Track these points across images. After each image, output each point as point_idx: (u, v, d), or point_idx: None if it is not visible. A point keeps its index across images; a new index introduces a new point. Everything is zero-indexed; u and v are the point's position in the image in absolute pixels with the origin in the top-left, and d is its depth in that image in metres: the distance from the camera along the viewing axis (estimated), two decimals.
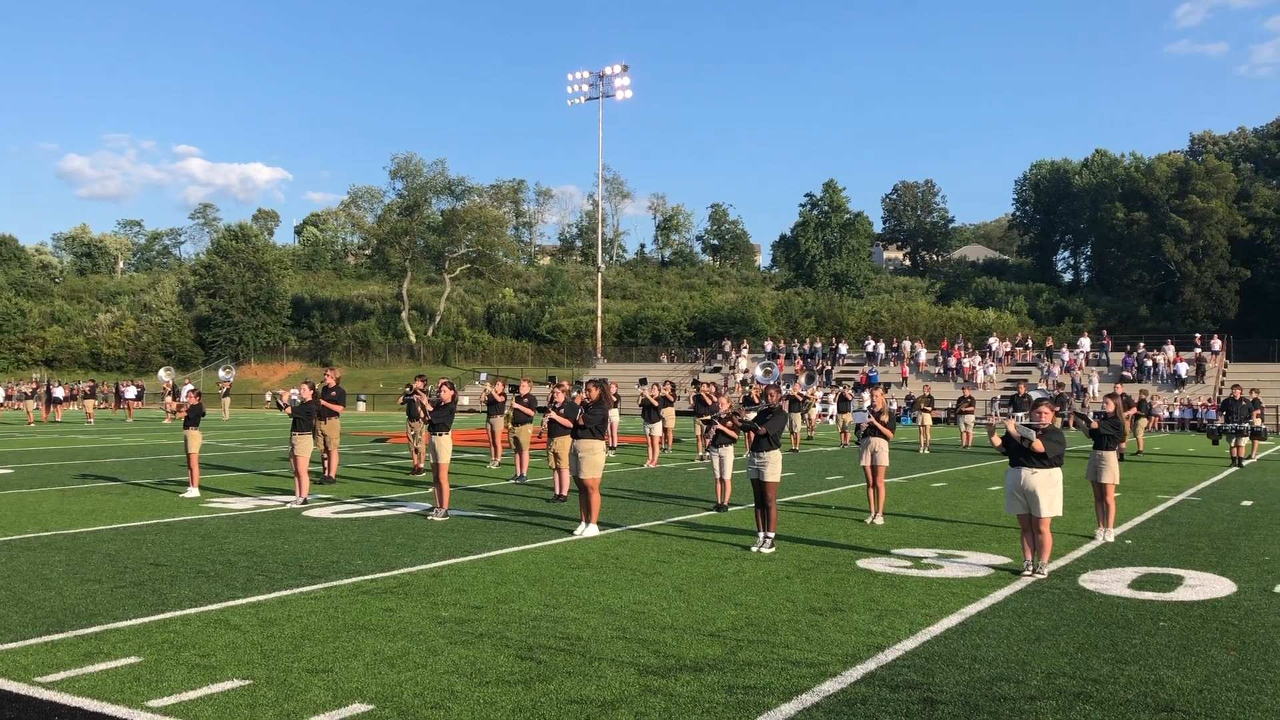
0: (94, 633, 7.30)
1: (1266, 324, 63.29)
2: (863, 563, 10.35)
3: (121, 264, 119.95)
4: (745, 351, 61.13)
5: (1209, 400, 45.07)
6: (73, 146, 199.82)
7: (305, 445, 15.33)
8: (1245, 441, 24.14)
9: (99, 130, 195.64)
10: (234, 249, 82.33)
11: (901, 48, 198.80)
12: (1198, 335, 53.81)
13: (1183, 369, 50.26)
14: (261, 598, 8.48)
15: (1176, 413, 45.55)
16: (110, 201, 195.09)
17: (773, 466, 11.40)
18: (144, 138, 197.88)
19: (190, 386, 18.15)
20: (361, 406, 61.28)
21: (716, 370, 59.42)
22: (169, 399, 41.78)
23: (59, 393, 46.99)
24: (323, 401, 17.81)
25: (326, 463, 18.26)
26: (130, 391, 50.71)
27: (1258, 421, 24.33)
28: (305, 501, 14.95)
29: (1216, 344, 52.96)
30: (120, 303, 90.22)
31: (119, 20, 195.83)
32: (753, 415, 11.94)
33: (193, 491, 16.03)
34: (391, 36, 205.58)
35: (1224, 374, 50.33)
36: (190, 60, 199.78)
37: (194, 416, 16.53)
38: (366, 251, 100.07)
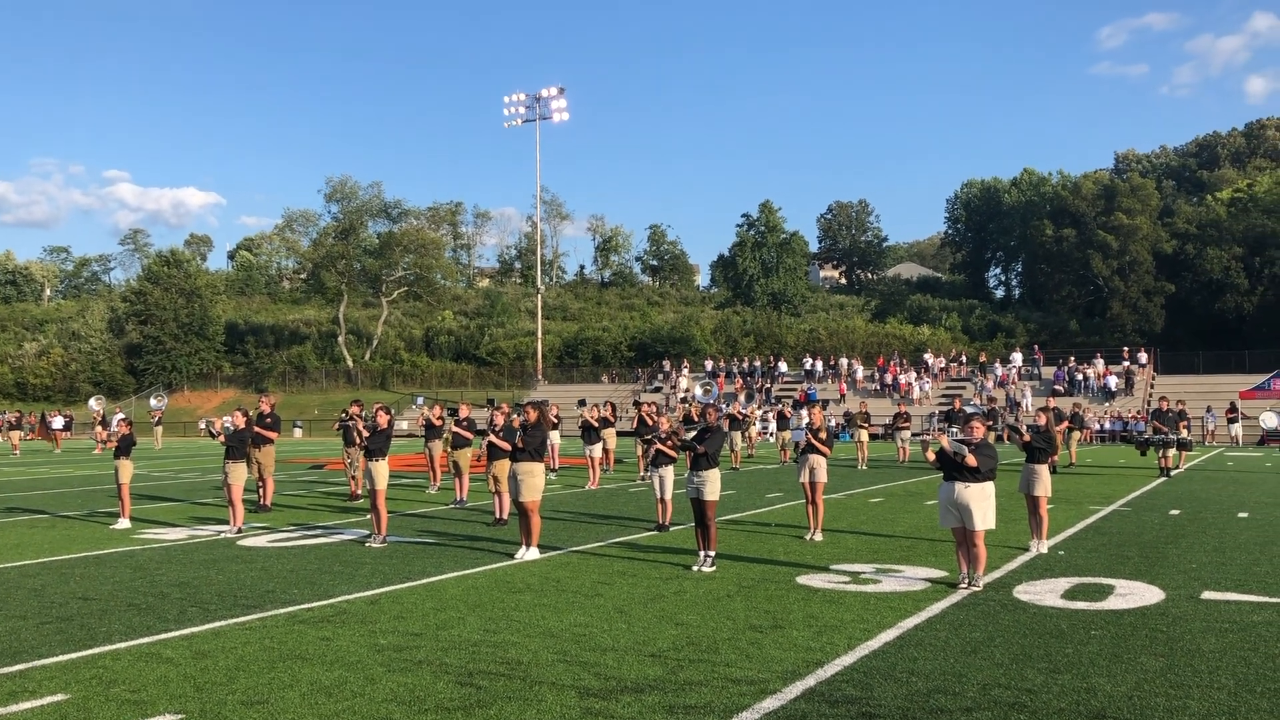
0: (18, 670, 7.10)
1: (1191, 337, 65.02)
2: (802, 579, 10.42)
3: (48, 291, 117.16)
4: (686, 371, 61.37)
5: (1138, 412, 46.15)
6: None
7: (239, 473, 15.08)
8: (1173, 452, 24.73)
9: (24, 155, 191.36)
10: (165, 275, 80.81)
11: (834, 71, 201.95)
12: (1125, 349, 55.14)
13: (1112, 382, 51.44)
14: (195, 630, 8.31)
15: (1107, 425, 46.57)
16: (36, 228, 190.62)
17: (712, 485, 11.44)
18: (72, 162, 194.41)
19: (121, 415, 17.80)
20: (298, 433, 60.41)
21: (657, 390, 59.55)
22: (99, 428, 40.84)
23: None
24: (257, 428, 17.54)
25: (262, 491, 17.97)
26: (58, 422, 49.44)
27: (1184, 433, 24.95)
28: (240, 531, 14.69)
29: (1144, 357, 54.30)
30: (47, 331, 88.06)
31: (45, 43, 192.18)
32: (691, 434, 11.98)
33: (123, 523, 15.68)
34: (326, 58, 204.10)
35: (1152, 386, 51.59)
36: (120, 84, 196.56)
37: (125, 446, 16.19)
38: (302, 276, 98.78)
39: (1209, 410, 44.52)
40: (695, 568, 11.07)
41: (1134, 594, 9.54)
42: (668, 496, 14.26)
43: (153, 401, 37.21)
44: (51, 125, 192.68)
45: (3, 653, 7.62)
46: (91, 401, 44.24)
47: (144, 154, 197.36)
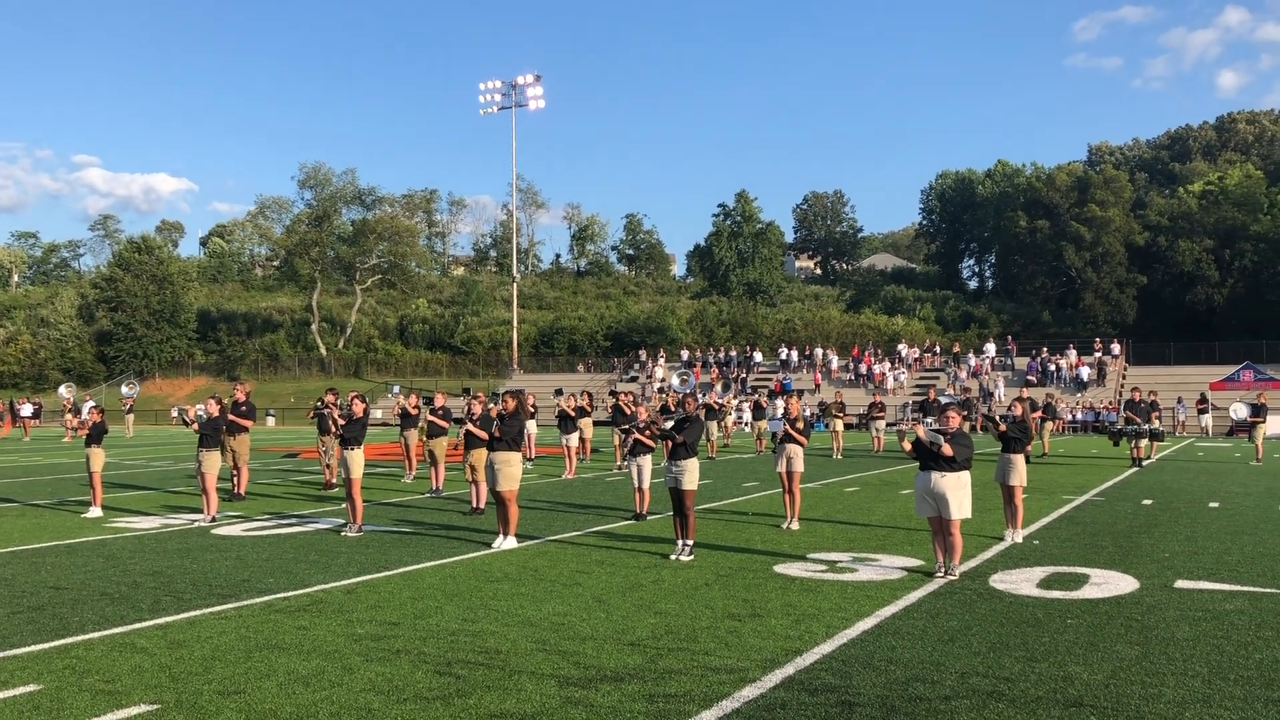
0: None
1: (1163, 328, 65.60)
2: (780, 568, 10.44)
3: (16, 277, 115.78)
4: (662, 360, 61.38)
5: (1110, 403, 46.53)
6: None
7: (213, 462, 14.95)
8: (1145, 442, 24.95)
9: None
10: (136, 261, 79.97)
11: (810, 61, 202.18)
12: (1098, 340, 55.54)
13: (1084, 373, 51.82)
14: (169, 619, 8.24)
15: (1079, 415, 46.93)
16: (4, 213, 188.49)
17: (690, 474, 11.45)
18: (39, 146, 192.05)
19: (92, 403, 17.60)
20: (271, 421, 60.01)
21: (633, 380, 59.54)
22: (69, 416, 40.44)
23: None
24: (231, 416, 17.40)
25: (235, 479, 17.84)
26: (26, 409, 48.87)
27: (1156, 423, 25.17)
28: (214, 519, 14.58)
29: (1116, 348, 54.71)
30: (15, 317, 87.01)
31: (12, 25, 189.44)
32: (670, 424, 11.98)
33: (95, 511, 15.52)
34: (301, 44, 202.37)
35: (1124, 377, 52.03)
36: (90, 67, 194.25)
37: (96, 434, 16.02)
38: (275, 263, 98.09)
39: (1179, 401, 44.95)
40: (673, 557, 11.08)
41: (1109, 583, 9.62)
42: (645, 486, 14.25)
43: (124, 389, 36.84)
44: (18, 108, 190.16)
45: None
46: (61, 389, 43.73)
47: (114, 139, 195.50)
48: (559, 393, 25.93)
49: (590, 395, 26.15)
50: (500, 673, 6.64)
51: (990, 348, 56.91)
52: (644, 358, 63.38)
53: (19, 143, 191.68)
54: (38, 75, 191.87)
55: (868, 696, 6.11)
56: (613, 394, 25.11)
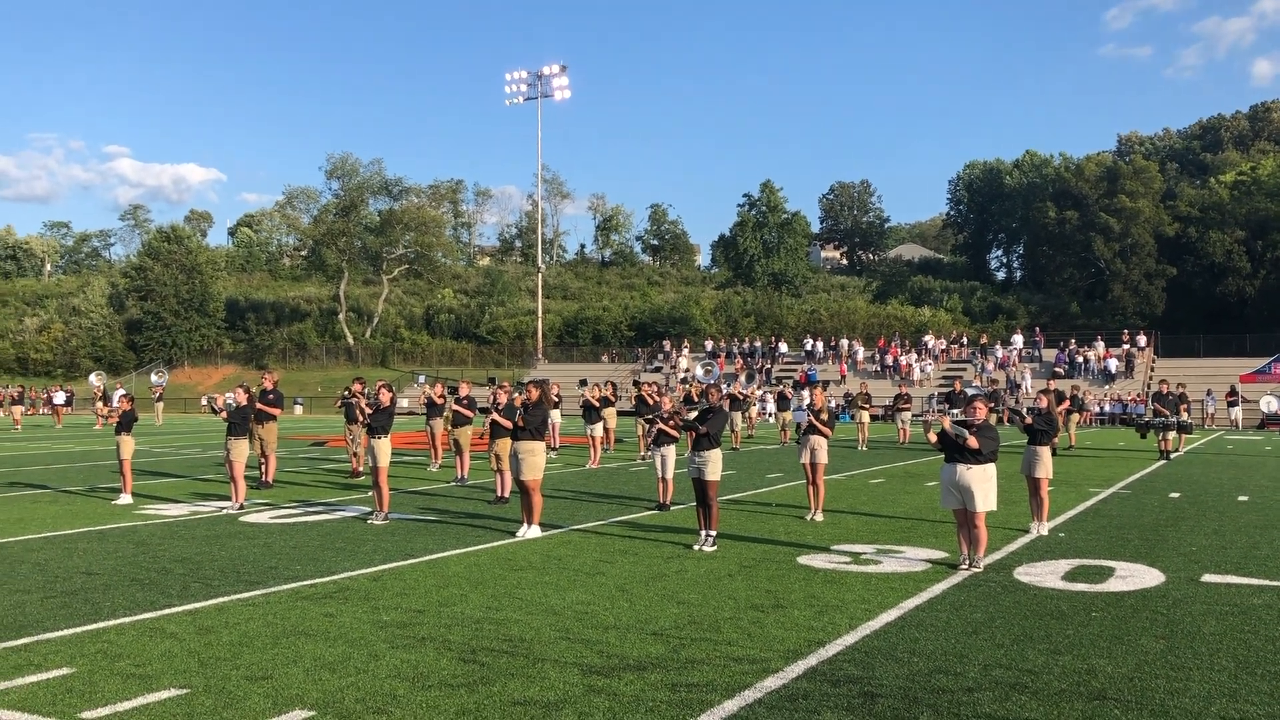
0: (23, 644, 7.13)
1: (1192, 320, 64.97)
2: (803, 559, 10.45)
3: (49, 266, 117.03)
4: (686, 351, 61.36)
5: (1138, 395, 46.16)
6: None
7: (241, 450, 15.10)
8: (1172, 435, 24.76)
9: (24, 129, 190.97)
10: (166, 250, 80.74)
11: (837, 50, 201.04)
12: (1126, 331, 55.09)
13: (1112, 365, 51.44)
14: (198, 605, 8.34)
15: (1107, 408, 46.61)
16: (36, 203, 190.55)
17: (713, 465, 11.46)
18: (72, 137, 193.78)
19: (122, 391, 17.78)
20: (299, 410, 60.47)
21: (657, 370, 59.57)
22: (100, 404, 40.87)
23: None
24: (259, 405, 17.56)
25: (264, 467, 18.00)
26: (59, 397, 49.45)
27: (1184, 415, 24.96)
28: (242, 507, 14.73)
29: (1144, 340, 54.27)
30: (48, 306, 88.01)
31: (45, 17, 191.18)
32: (693, 414, 11.99)
33: (125, 498, 15.72)
34: (328, 35, 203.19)
35: (1152, 369, 51.59)
36: (121, 59, 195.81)
37: (126, 422, 16.20)
38: (302, 253, 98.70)
39: (1209, 393, 44.54)
40: (696, 547, 11.10)
41: (1134, 576, 9.57)
42: (669, 476, 14.28)
43: (154, 377, 37.20)
44: (52, 100, 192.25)
45: (8, 627, 7.65)
46: (92, 377, 44.22)
47: (144, 130, 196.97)
48: (583, 383, 25.99)
49: (614, 385, 26.20)
50: (524, 660, 6.69)
51: (1018, 339, 56.57)
52: (668, 348, 63.39)
53: (52, 134, 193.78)
54: (70, 68, 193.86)
55: (890, 688, 6.12)
56: (636, 384, 25.16)
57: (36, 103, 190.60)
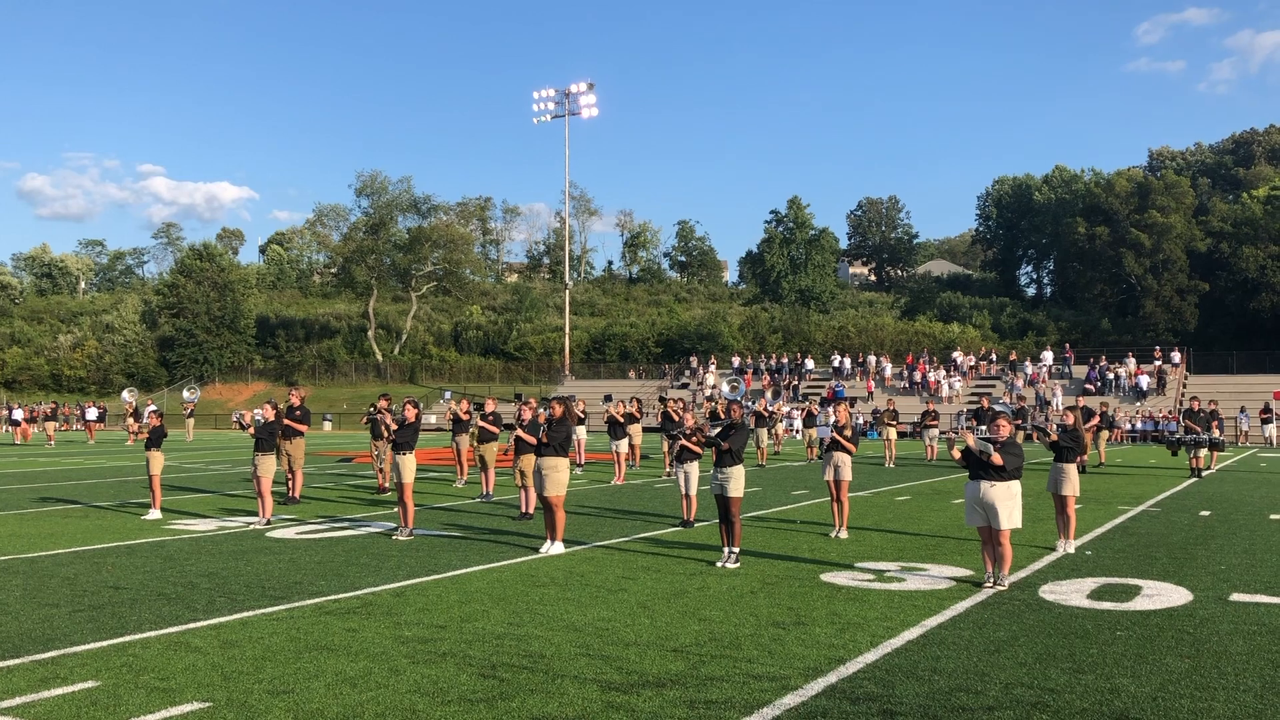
0: (50, 657, 7.22)
1: (1225, 336, 64.24)
2: (826, 576, 10.41)
3: (83, 284, 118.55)
4: (713, 367, 61.30)
5: (1170, 412, 45.66)
6: (33, 165, 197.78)
7: (268, 466, 15.22)
8: (1204, 452, 24.48)
9: (60, 149, 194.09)
10: (198, 268, 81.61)
11: (864, 67, 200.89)
12: (1158, 348, 54.55)
13: (1144, 381, 50.92)
14: (223, 620, 8.42)
15: (1138, 425, 46.14)
16: (72, 221, 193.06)
17: (736, 482, 11.45)
18: (107, 156, 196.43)
19: (153, 407, 17.97)
20: (327, 426, 60.85)
21: (684, 386, 59.53)
22: (131, 420, 41.32)
23: (18, 415, 46.40)
24: (287, 421, 17.70)
25: (291, 483, 18.13)
26: (92, 413, 50.04)
27: (1216, 432, 24.69)
28: (269, 522, 14.84)
29: (1176, 356, 53.71)
30: (82, 323, 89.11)
31: (81, 38, 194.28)
32: (716, 431, 11.99)
33: (155, 514, 15.88)
34: (358, 54, 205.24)
35: (1184, 386, 51.03)
36: (155, 79, 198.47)
37: (156, 438, 16.38)
38: (332, 270, 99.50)
39: (1242, 411, 43.99)
40: (719, 564, 11.09)
41: (1161, 595, 9.47)
42: (693, 492, 14.27)
43: (185, 394, 37.48)
44: (87, 119, 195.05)
45: (36, 640, 7.74)
46: (124, 393, 44.67)
47: (178, 149, 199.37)
48: (608, 399, 26.02)
49: (640, 401, 26.21)
50: (544, 676, 6.70)
51: (1048, 355, 56.15)
52: (695, 364, 63.35)
53: (88, 153, 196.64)
54: (106, 89, 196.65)
55: (910, 706, 6.09)
56: (662, 400, 25.15)
57: (73, 122, 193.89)
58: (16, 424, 45.71)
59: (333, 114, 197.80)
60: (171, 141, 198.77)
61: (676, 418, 21.37)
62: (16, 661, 7.11)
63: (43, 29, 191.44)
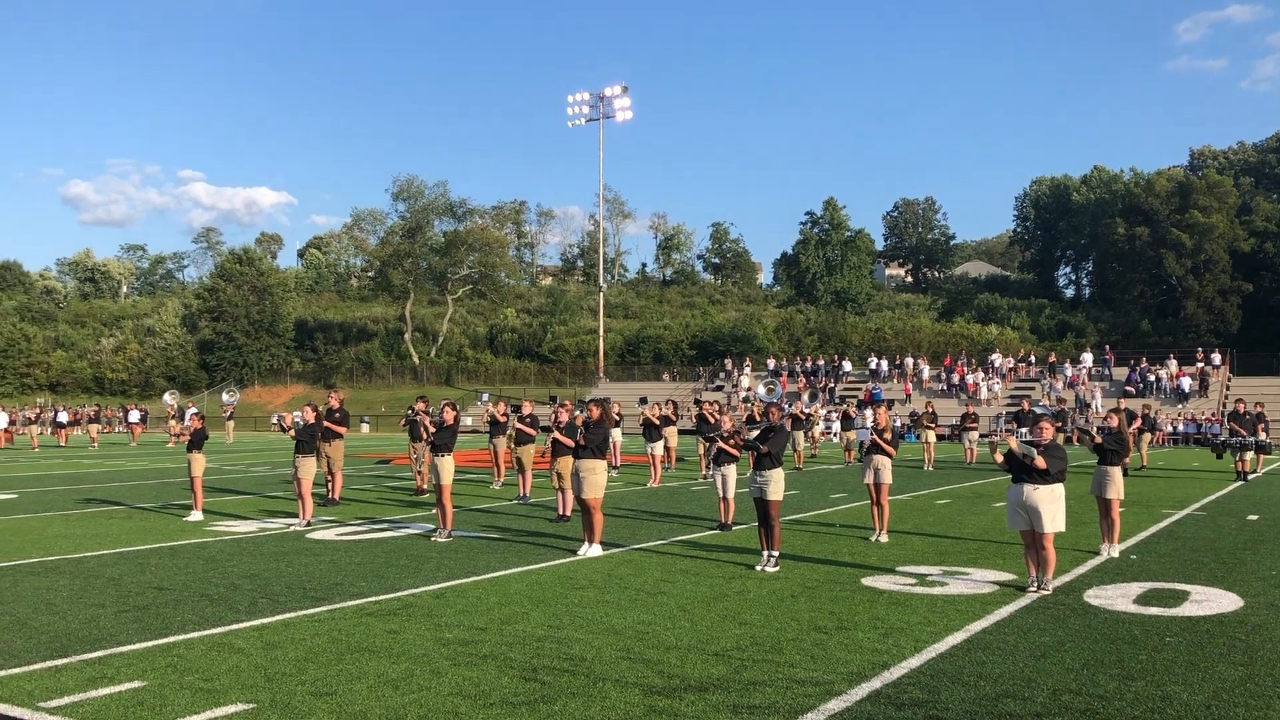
0: (98, 657, 7.29)
1: (1269, 338, 63.19)
2: (867, 581, 10.32)
3: (125, 288, 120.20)
4: (748, 369, 61.12)
5: (1213, 414, 44.99)
6: (77, 172, 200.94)
7: (308, 467, 15.32)
8: (1250, 455, 24.08)
9: (103, 155, 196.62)
10: (238, 272, 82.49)
11: (901, 65, 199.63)
12: (1200, 350, 53.72)
13: (1186, 384, 50.19)
14: (265, 621, 8.47)
15: (1180, 427, 45.49)
16: (114, 226, 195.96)
17: (775, 485, 11.38)
18: (148, 162, 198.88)
19: (194, 410, 18.16)
20: (365, 428, 61.25)
21: (719, 389, 59.39)
22: (173, 422, 41.78)
23: (63, 417, 47.09)
24: (326, 423, 17.82)
25: (330, 485, 18.25)
26: (134, 415, 50.70)
27: (1262, 435, 24.28)
28: (309, 524, 14.94)
29: (1218, 358, 52.89)
30: (124, 327, 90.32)
31: (123, 46, 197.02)
32: (754, 434, 11.93)
33: (196, 515, 16.03)
34: (394, 59, 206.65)
35: (1227, 388, 50.24)
36: (195, 85, 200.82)
37: (198, 440, 16.55)
38: (369, 274, 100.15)
39: None
40: (759, 567, 11.03)
41: (1210, 600, 9.31)
42: (730, 495, 14.21)
43: (225, 396, 37.90)
44: (129, 126, 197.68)
45: (83, 640, 7.83)
46: (166, 396, 45.22)
47: (218, 154, 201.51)
48: (644, 401, 25.99)
49: (675, 404, 26.16)
50: (585, 680, 6.68)
51: (1087, 357, 55.49)
52: (729, 367, 63.19)
53: (129, 159, 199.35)
54: (148, 95, 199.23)
55: (956, 712, 6.01)
56: (697, 402, 25.09)
57: (115, 129, 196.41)
58: (61, 426, 46.41)
59: (370, 120, 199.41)
60: (211, 147, 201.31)
61: (712, 420, 21.32)
62: (65, 661, 7.19)
63: (86, 40, 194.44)
